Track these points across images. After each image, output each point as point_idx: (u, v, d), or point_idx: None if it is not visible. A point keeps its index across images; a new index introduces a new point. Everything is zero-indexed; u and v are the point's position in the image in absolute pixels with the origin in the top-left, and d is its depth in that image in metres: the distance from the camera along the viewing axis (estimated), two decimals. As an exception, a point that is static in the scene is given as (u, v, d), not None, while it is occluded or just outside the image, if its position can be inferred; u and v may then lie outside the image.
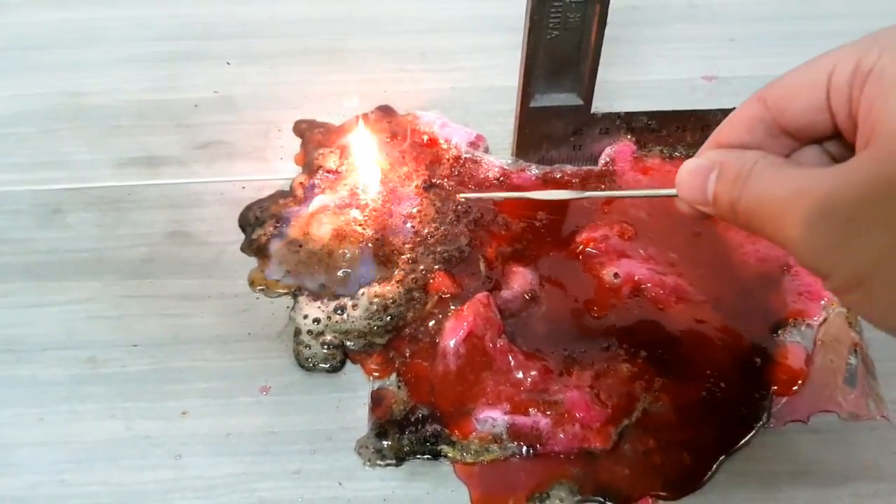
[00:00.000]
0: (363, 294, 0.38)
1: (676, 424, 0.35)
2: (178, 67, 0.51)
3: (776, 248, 0.41)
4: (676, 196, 0.28)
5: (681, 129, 0.44)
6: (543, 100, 0.42)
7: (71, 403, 0.36)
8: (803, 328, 0.39)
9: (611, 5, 0.39)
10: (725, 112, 0.43)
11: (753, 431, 0.35)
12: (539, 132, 0.43)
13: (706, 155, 0.27)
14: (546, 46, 0.39)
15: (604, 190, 0.43)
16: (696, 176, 0.27)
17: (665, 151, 0.45)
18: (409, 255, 0.40)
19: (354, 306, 0.38)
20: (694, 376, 0.37)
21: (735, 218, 0.26)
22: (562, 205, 0.43)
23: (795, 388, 0.37)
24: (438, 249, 0.40)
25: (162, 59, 0.52)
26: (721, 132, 0.27)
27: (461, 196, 0.39)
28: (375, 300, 0.38)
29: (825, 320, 0.39)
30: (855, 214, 0.21)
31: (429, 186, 0.42)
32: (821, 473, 0.35)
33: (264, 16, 0.55)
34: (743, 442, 0.35)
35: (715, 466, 0.34)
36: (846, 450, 0.35)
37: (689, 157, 0.44)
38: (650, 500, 0.34)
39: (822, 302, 0.39)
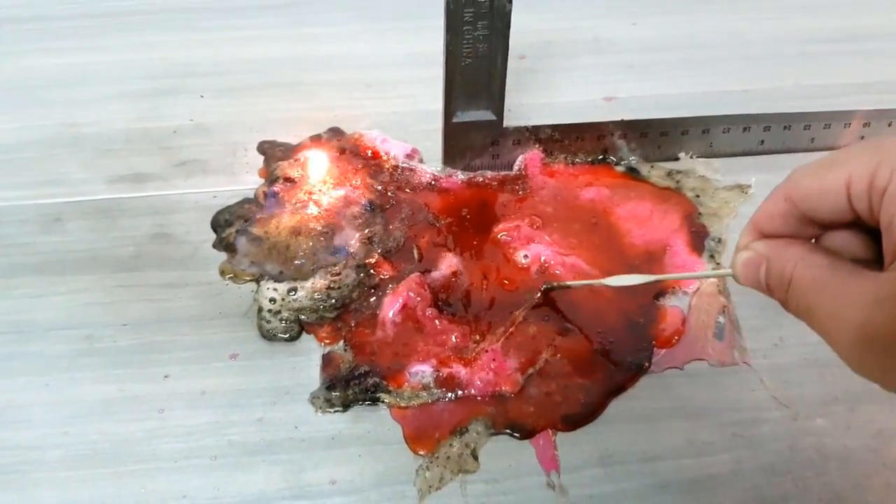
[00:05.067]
0: (315, 278, 0.43)
1: (573, 372, 0.39)
2: (159, 101, 0.55)
3: (659, 233, 0.46)
4: (731, 275, 0.29)
5: (580, 139, 0.49)
6: (463, 116, 0.46)
7: (71, 372, 0.39)
8: (680, 295, 0.43)
9: (528, 41, 0.44)
10: (616, 124, 0.49)
11: (637, 377, 0.39)
12: (462, 144, 0.48)
13: (753, 246, 0.28)
14: (462, 72, 0.43)
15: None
16: (748, 269, 0.28)
17: (568, 158, 0.50)
18: (354, 246, 0.45)
19: (304, 288, 0.43)
20: (588, 334, 0.41)
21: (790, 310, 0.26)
22: (483, 202, 0.48)
23: (673, 342, 0.41)
24: (380, 240, 0.45)
25: (146, 94, 0.56)
26: (758, 221, 0.28)
27: (544, 285, 0.42)
28: (325, 283, 0.43)
29: (698, 289, 0.43)
30: (891, 343, 0.21)
31: (373, 208, 0.46)
32: (692, 409, 0.38)
33: (232, 57, 0.59)
34: (629, 385, 0.39)
35: (605, 404, 0.38)
36: (714, 390, 0.39)
37: (588, 163, 0.51)
38: (551, 432, 0.37)
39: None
